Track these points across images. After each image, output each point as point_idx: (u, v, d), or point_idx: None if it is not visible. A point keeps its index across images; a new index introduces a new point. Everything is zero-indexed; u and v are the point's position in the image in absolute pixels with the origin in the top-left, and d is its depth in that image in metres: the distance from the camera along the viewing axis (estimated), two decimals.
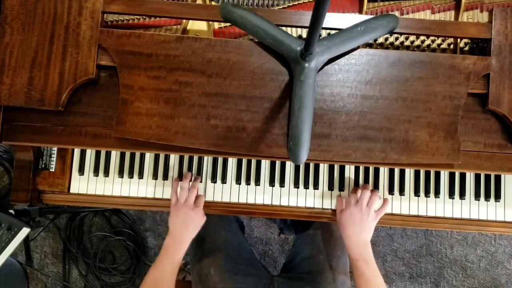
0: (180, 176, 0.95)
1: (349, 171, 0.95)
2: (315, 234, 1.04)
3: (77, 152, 0.95)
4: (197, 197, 0.90)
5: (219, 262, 0.96)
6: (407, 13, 0.87)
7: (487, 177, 0.93)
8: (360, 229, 0.85)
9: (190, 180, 0.92)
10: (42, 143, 0.84)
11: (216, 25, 0.88)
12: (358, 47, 0.76)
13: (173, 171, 0.95)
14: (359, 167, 0.95)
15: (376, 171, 0.94)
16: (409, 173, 0.95)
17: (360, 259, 0.82)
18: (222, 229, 1.03)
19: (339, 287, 0.96)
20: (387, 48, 0.86)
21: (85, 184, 0.95)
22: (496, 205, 0.93)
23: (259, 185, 0.94)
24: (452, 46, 0.86)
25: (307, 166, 0.95)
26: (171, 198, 0.91)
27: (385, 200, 0.90)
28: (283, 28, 0.76)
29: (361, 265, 0.82)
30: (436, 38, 0.85)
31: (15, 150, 0.89)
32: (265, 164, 0.95)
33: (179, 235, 0.87)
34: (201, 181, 0.94)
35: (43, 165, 0.93)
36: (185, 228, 0.87)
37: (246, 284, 0.94)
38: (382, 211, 0.88)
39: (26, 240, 1.64)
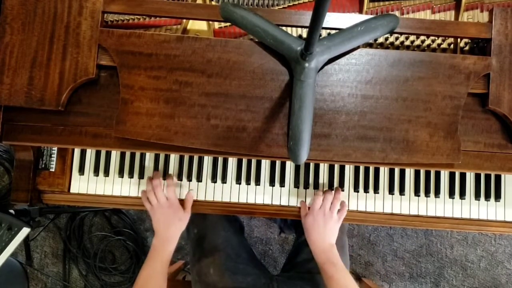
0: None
1: (349, 171, 0.95)
2: None
3: (77, 152, 0.95)
4: (169, 190, 0.90)
5: (219, 262, 0.96)
6: (407, 13, 0.87)
7: (487, 177, 0.93)
8: (324, 233, 0.86)
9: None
10: (42, 143, 0.84)
11: (216, 25, 0.88)
12: (358, 47, 0.76)
13: (173, 171, 0.95)
14: (359, 167, 0.95)
15: (376, 171, 0.94)
16: (409, 173, 0.95)
17: (327, 261, 0.83)
18: (222, 229, 1.03)
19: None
20: (387, 48, 0.86)
21: (85, 184, 0.95)
22: (496, 205, 0.93)
23: (259, 185, 0.94)
24: (452, 46, 0.86)
25: (307, 166, 0.95)
26: (145, 205, 0.91)
27: (342, 203, 0.92)
28: (283, 28, 0.76)
29: (329, 268, 0.83)
30: (436, 38, 0.85)
31: (15, 150, 0.89)
32: (265, 164, 0.95)
33: (164, 234, 0.88)
34: (180, 180, 0.94)
35: (43, 165, 0.93)
36: (167, 227, 0.88)
37: (246, 283, 0.94)
38: (343, 212, 0.90)
39: (26, 240, 1.64)
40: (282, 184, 0.95)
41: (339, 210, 0.90)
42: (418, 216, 0.94)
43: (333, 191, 0.91)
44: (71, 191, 0.95)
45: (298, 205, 0.94)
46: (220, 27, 0.88)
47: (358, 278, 1.66)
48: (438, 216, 0.93)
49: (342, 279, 0.81)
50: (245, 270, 0.97)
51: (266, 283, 0.96)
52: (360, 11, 0.86)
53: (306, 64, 0.66)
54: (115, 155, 0.96)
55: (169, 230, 0.88)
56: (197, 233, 1.03)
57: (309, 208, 0.91)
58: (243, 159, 0.95)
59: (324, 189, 0.94)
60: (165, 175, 0.95)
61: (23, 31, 0.77)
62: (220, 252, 0.98)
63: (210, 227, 1.02)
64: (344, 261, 1.01)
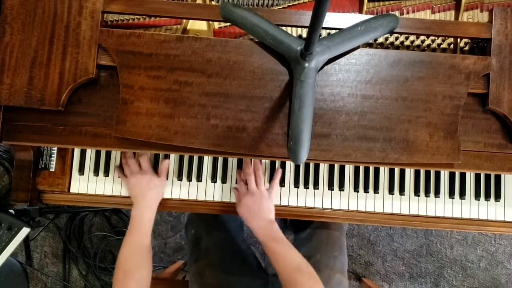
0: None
1: (349, 170, 0.95)
2: (313, 234, 1.04)
3: (77, 152, 0.95)
4: (139, 160, 0.90)
5: (214, 263, 0.96)
6: (407, 13, 0.87)
7: (487, 177, 0.93)
8: (259, 213, 0.85)
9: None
10: (42, 143, 0.84)
11: (216, 25, 0.88)
12: (358, 47, 0.76)
13: (173, 171, 0.95)
14: (359, 167, 0.95)
15: (376, 171, 0.94)
16: (409, 173, 0.95)
17: (268, 239, 0.82)
18: (219, 229, 1.03)
19: (336, 286, 0.95)
20: (387, 47, 0.86)
21: (85, 184, 0.95)
22: (496, 204, 0.93)
23: None
24: (452, 46, 0.86)
25: (307, 165, 0.95)
26: (122, 179, 0.92)
27: (276, 170, 0.91)
28: (283, 28, 0.76)
29: (271, 244, 0.81)
30: (436, 38, 0.85)
31: (15, 150, 0.89)
32: (265, 164, 0.95)
33: (141, 203, 0.87)
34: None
35: (43, 165, 0.93)
36: (143, 194, 0.87)
37: (241, 284, 0.94)
38: (274, 185, 0.90)
39: (26, 240, 1.64)
40: (282, 184, 0.94)
41: (270, 185, 0.90)
42: (418, 216, 0.94)
43: (251, 168, 0.89)
44: (71, 191, 0.95)
45: (298, 205, 0.94)
46: (220, 27, 0.88)
47: (358, 278, 1.66)
48: (438, 216, 0.93)
49: (284, 253, 0.79)
50: (241, 270, 0.97)
51: (261, 283, 0.96)
52: (360, 11, 0.86)
53: (306, 64, 0.66)
54: (115, 155, 0.96)
55: (145, 198, 0.87)
56: (194, 234, 1.03)
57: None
58: (243, 159, 0.95)
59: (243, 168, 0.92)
60: (167, 175, 0.94)
61: (23, 31, 0.77)
62: (215, 253, 0.98)
63: (207, 227, 1.02)
64: (343, 261, 1.01)
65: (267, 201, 0.87)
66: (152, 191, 0.88)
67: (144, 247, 0.82)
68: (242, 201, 0.87)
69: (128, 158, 0.91)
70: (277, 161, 0.95)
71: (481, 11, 0.85)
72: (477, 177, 0.94)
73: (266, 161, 0.95)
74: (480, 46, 0.84)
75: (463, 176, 0.94)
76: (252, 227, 0.85)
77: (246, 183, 0.89)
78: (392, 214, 0.94)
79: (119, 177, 0.94)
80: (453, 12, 0.87)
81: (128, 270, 0.78)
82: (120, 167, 0.94)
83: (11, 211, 0.98)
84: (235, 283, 0.94)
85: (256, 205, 0.86)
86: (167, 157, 0.95)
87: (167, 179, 0.94)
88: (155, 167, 0.95)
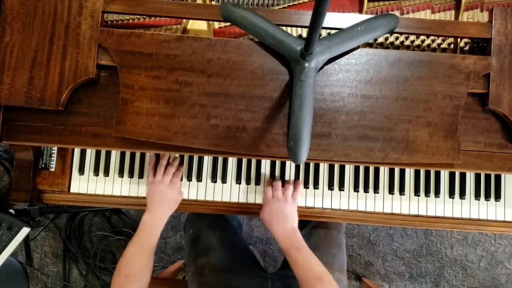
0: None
1: (349, 170, 0.95)
2: (312, 232, 1.04)
3: (77, 151, 0.95)
4: (174, 174, 0.92)
5: (213, 261, 0.96)
6: (407, 13, 0.87)
7: (487, 177, 0.93)
8: (284, 221, 0.86)
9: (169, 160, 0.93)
10: (42, 143, 0.84)
11: (216, 24, 0.88)
12: (358, 47, 0.76)
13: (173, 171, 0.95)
14: (359, 166, 0.95)
15: (376, 171, 0.94)
16: (409, 172, 0.95)
17: (291, 247, 0.82)
18: (217, 228, 1.03)
19: None
20: (387, 47, 0.86)
21: (85, 184, 0.95)
22: (496, 204, 0.93)
23: (259, 184, 0.94)
24: (452, 45, 0.86)
25: (307, 165, 0.95)
26: (148, 176, 0.92)
27: (296, 182, 0.92)
28: (283, 27, 0.76)
29: (293, 252, 0.82)
30: (436, 38, 0.85)
31: (15, 150, 0.89)
32: (265, 163, 0.95)
33: (155, 210, 0.88)
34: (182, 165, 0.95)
35: (43, 165, 0.93)
36: (160, 204, 0.88)
37: (240, 282, 0.94)
38: (297, 194, 0.91)
39: (26, 239, 1.64)
40: (282, 184, 0.94)
41: (292, 194, 0.91)
42: (418, 216, 0.94)
43: (279, 180, 0.92)
44: (71, 191, 0.95)
45: (298, 204, 0.94)
46: (220, 27, 0.88)
47: (358, 278, 1.66)
48: (438, 216, 0.93)
49: (307, 262, 0.80)
50: (240, 269, 0.97)
51: (260, 281, 0.96)
52: (360, 11, 0.86)
53: (306, 64, 0.66)
54: (115, 155, 0.96)
55: (161, 207, 0.88)
56: (192, 233, 1.03)
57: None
58: (243, 159, 0.95)
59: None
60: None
61: (23, 31, 0.77)
62: (214, 252, 0.98)
63: (206, 227, 1.02)
64: (342, 260, 1.01)
65: (292, 208, 0.88)
66: (169, 202, 0.90)
67: (149, 253, 0.83)
68: (267, 206, 0.88)
69: (171, 167, 0.92)
70: (277, 161, 0.95)
71: (481, 11, 0.85)
72: (477, 177, 0.94)
73: (266, 162, 0.95)
74: (480, 46, 0.84)
75: (463, 176, 0.94)
76: (275, 233, 0.86)
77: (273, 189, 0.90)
78: (392, 214, 0.94)
79: (119, 176, 0.94)
80: (453, 12, 0.87)
81: (129, 274, 0.78)
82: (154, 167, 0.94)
83: (11, 211, 0.98)
84: (234, 281, 0.94)
85: (280, 212, 0.87)
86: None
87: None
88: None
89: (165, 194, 0.89)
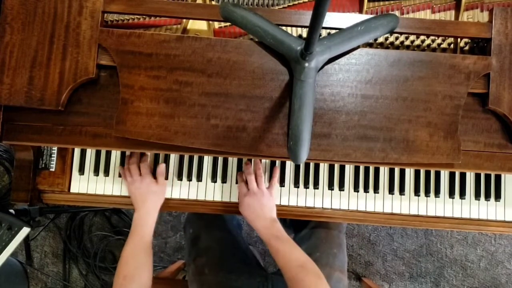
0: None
1: (349, 170, 0.95)
2: (312, 232, 1.04)
3: (77, 151, 0.95)
4: (141, 167, 0.92)
5: (213, 261, 0.96)
6: (407, 13, 0.87)
7: (487, 177, 0.93)
8: (261, 212, 0.86)
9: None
10: (42, 143, 0.84)
11: (216, 24, 0.88)
12: (358, 47, 0.76)
13: (173, 171, 0.95)
14: (359, 166, 0.95)
15: (376, 171, 0.94)
16: (409, 172, 0.95)
17: (272, 237, 0.83)
18: (217, 228, 1.03)
19: (335, 284, 0.95)
20: (387, 47, 0.86)
21: (85, 184, 0.95)
22: (496, 204, 0.93)
23: None
24: (452, 45, 0.86)
25: (307, 165, 0.95)
26: (125, 182, 0.93)
27: (274, 168, 0.92)
28: (283, 27, 0.76)
29: (274, 242, 0.82)
30: (436, 38, 0.85)
31: (15, 150, 0.89)
32: (265, 163, 0.95)
33: (141, 208, 0.88)
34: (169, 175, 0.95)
35: (43, 165, 0.93)
36: (143, 201, 0.89)
37: (240, 282, 0.94)
38: (273, 183, 0.91)
39: (26, 239, 1.64)
40: (282, 183, 0.94)
41: (270, 182, 0.91)
42: (418, 216, 0.94)
43: (251, 168, 0.91)
44: (71, 190, 0.95)
45: (298, 204, 0.94)
46: (220, 27, 0.88)
47: (358, 278, 1.66)
48: (438, 216, 0.93)
49: (288, 252, 0.80)
50: (240, 269, 0.98)
51: (261, 281, 0.96)
52: (360, 11, 0.86)
53: (306, 64, 0.66)
54: (115, 155, 0.96)
55: (145, 203, 0.88)
56: (192, 233, 1.03)
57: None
58: (243, 159, 0.95)
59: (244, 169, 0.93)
60: (167, 175, 0.95)
61: (23, 31, 0.77)
62: (214, 252, 0.98)
63: (205, 226, 1.02)
64: (342, 260, 1.01)
65: (268, 200, 0.88)
66: (151, 196, 0.89)
67: (145, 250, 0.83)
68: (244, 201, 0.88)
69: (130, 164, 0.92)
70: (277, 161, 0.95)
71: (481, 11, 0.85)
72: (477, 177, 0.94)
73: (266, 161, 0.95)
74: (480, 46, 0.84)
75: (463, 176, 0.94)
76: (255, 226, 0.86)
77: (247, 183, 0.89)
78: (392, 214, 0.94)
79: (119, 176, 0.94)
80: (453, 12, 0.87)
81: (128, 274, 0.78)
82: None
83: (11, 211, 0.98)
84: (234, 281, 0.94)
85: (257, 204, 0.87)
86: (166, 159, 0.95)
87: (166, 179, 0.94)
88: (155, 167, 0.95)
89: (141, 190, 0.89)
